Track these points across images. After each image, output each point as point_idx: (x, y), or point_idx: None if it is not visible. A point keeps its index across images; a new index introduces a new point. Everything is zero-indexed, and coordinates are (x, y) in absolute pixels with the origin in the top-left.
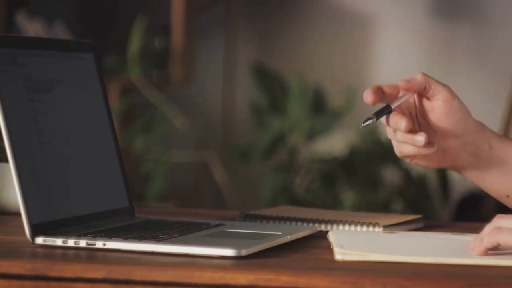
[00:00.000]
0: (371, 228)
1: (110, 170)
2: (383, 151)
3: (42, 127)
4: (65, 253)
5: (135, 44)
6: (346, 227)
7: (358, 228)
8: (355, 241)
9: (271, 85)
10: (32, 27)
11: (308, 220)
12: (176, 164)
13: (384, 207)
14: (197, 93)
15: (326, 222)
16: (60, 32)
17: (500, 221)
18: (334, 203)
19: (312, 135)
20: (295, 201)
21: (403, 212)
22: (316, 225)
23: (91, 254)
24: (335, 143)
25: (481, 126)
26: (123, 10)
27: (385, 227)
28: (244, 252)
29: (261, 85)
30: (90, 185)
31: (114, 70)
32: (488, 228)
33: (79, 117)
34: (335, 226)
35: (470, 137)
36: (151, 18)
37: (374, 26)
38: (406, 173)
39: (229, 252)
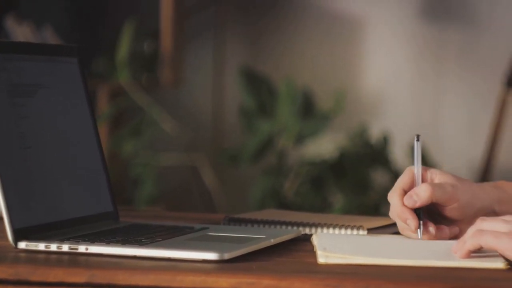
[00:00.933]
0: (355, 231)
1: (94, 175)
2: (373, 154)
3: (24, 131)
4: (47, 258)
5: (124, 48)
6: (331, 231)
7: (343, 231)
8: (338, 244)
9: (260, 88)
10: (21, 31)
11: (292, 224)
12: (166, 168)
13: (374, 210)
14: (187, 96)
15: (311, 225)
16: (49, 36)
17: (482, 223)
18: (323, 206)
19: (301, 138)
20: (284, 205)
21: None
22: (301, 228)
23: (74, 259)
24: (324, 146)
25: (490, 188)
26: (112, 14)
27: (369, 230)
28: (226, 256)
29: (249, 89)
30: (73, 189)
31: (103, 74)
32: (471, 230)
33: (62, 121)
34: (319, 230)
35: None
36: (140, 22)
37: (363, 28)
38: (396, 176)
39: (211, 255)
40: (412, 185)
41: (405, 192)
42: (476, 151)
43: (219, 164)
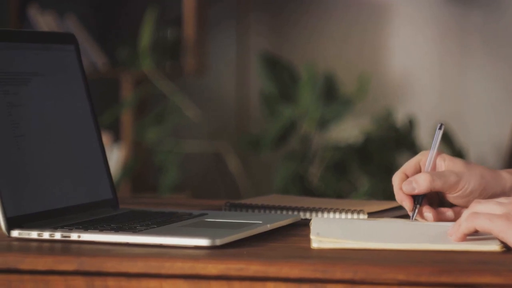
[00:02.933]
0: (355, 216)
1: (93, 163)
2: (398, 138)
3: (17, 119)
4: (39, 246)
5: (146, 35)
6: (331, 215)
7: (343, 215)
8: (333, 229)
9: (281, 74)
10: (44, 20)
11: (292, 209)
12: (189, 155)
13: None
14: (210, 83)
15: (311, 210)
16: (72, 25)
17: (477, 206)
18: (348, 191)
19: (324, 123)
20: (308, 190)
21: None
22: (301, 213)
23: (66, 247)
24: (348, 130)
25: (496, 175)
26: (134, 1)
27: (371, 214)
28: (218, 242)
29: (270, 74)
30: (70, 177)
31: (126, 62)
32: (465, 213)
33: (58, 109)
34: (319, 214)
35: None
36: (162, 9)
37: (387, 12)
38: None
39: (203, 242)
40: (416, 170)
41: (407, 176)
42: (503, 136)
43: (243, 150)
